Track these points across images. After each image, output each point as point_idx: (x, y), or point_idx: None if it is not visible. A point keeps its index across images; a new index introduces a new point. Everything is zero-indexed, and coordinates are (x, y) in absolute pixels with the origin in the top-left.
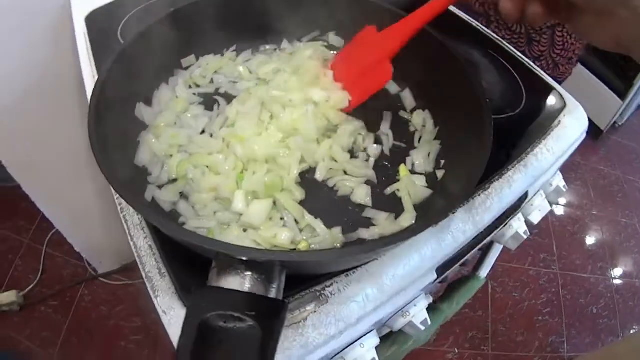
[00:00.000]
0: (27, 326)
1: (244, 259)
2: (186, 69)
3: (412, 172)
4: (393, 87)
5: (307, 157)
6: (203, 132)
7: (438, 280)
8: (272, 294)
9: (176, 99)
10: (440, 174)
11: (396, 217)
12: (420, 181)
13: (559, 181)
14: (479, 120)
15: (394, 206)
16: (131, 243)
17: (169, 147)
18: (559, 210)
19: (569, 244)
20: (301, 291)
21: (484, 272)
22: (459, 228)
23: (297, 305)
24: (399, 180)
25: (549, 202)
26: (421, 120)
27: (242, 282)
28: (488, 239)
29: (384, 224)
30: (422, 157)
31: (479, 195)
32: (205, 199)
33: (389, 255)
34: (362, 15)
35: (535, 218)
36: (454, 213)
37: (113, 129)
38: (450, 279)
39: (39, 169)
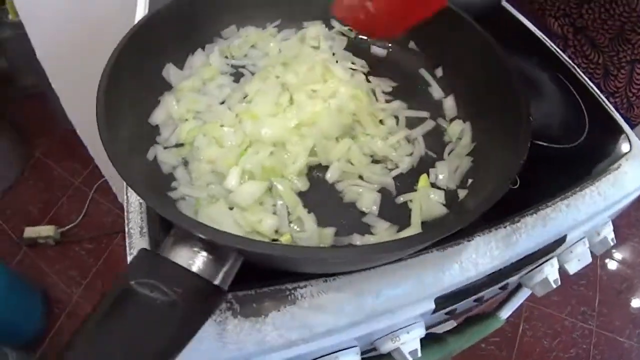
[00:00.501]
0: (57, 262)
1: (201, 236)
2: (226, 39)
3: (433, 185)
4: (437, 92)
5: (320, 152)
6: (223, 103)
7: (443, 312)
8: (217, 279)
9: (208, 66)
10: (462, 193)
11: (399, 230)
12: (438, 197)
13: (609, 232)
14: (515, 140)
15: (401, 218)
16: (125, 197)
17: (187, 111)
18: (612, 265)
19: (613, 302)
20: (270, 285)
21: (505, 313)
22: (471, 259)
23: (259, 298)
24: (415, 190)
25: (592, 252)
26: (458, 132)
27: (191, 258)
28: (512, 279)
29: (382, 234)
30: (447, 170)
31: (504, 227)
32: (203, 169)
33: (379, 270)
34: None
35: (572, 267)
36: (469, 240)
37: (134, 81)
38: (465, 311)
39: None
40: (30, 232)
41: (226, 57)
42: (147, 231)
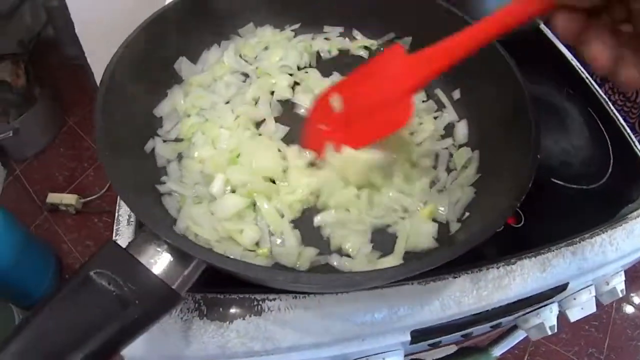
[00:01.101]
0: (75, 230)
1: (167, 241)
2: (242, 37)
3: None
4: (451, 114)
5: (323, 195)
6: (228, 102)
7: (426, 343)
8: (176, 283)
9: (221, 64)
10: (454, 227)
11: (380, 257)
12: (431, 229)
13: (619, 283)
14: (517, 178)
15: (386, 243)
16: None
17: (192, 106)
18: (628, 309)
19: (622, 347)
20: (238, 292)
21: (498, 351)
22: (454, 297)
23: (226, 303)
24: (403, 218)
25: (599, 301)
26: (464, 160)
27: (153, 258)
28: (504, 319)
29: (361, 258)
30: (447, 202)
31: (497, 267)
32: (193, 167)
33: (352, 295)
34: None
35: (574, 315)
36: (455, 277)
37: (145, 69)
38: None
39: None
40: (53, 197)
41: (240, 55)
42: (134, 221)
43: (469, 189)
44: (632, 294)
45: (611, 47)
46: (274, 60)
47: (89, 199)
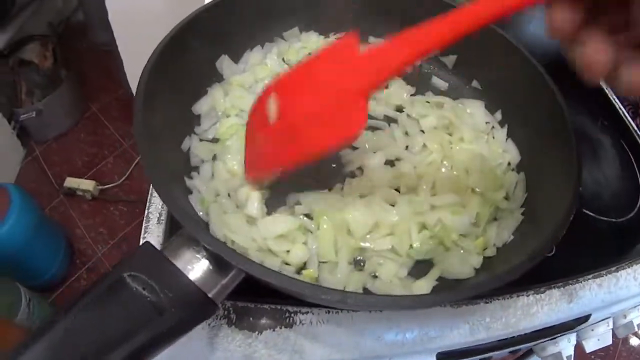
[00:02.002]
0: (90, 216)
1: (208, 247)
2: (287, 41)
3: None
4: (500, 134)
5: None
6: None
7: None
8: (213, 291)
9: (263, 66)
10: (493, 250)
11: (415, 279)
12: (476, 261)
13: (636, 317)
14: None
15: (422, 267)
16: None
17: (231, 106)
18: (634, 342)
19: None
20: (270, 302)
21: None
22: (484, 323)
23: (257, 313)
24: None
25: (614, 334)
26: (514, 182)
27: (191, 264)
28: (524, 346)
29: (395, 281)
30: (497, 230)
31: (527, 295)
32: (222, 175)
33: (386, 313)
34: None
35: (590, 346)
36: (487, 302)
37: (186, 64)
38: None
39: None
40: (70, 182)
41: (283, 59)
42: (165, 219)
43: (518, 212)
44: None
45: (610, 47)
46: None
47: (107, 186)
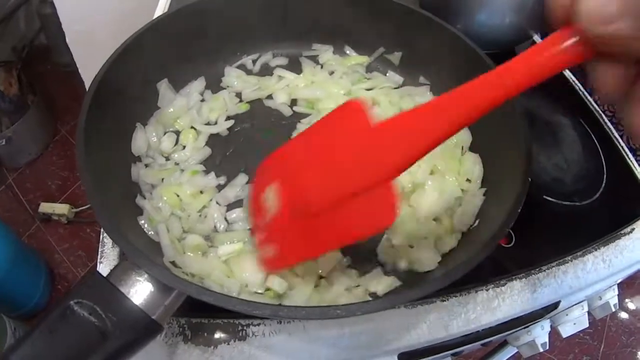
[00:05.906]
0: (67, 240)
1: (147, 272)
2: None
3: None
4: None
5: None
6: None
7: None
8: (156, 313)
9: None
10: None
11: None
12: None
13: (612, 297)
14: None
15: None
16: None
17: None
18: (623, 315)
19: (616, 354)
20: (222, 317)
21: None
22: (442, 321)
23: (211, 328)
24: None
25: (591, 315)
26: (471, 164)
27: (134, 288)
28: (493, 338)
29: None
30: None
31: (486, 290)
32: (171, 196)
33: (338, 319)
34: None
35: (567, 331)
36: (443, 301)
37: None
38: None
39: None
40: (45, 207)
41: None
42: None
43: (480, 193)
44: (626, 300)
45: None
46: None
47: (81, 208)
